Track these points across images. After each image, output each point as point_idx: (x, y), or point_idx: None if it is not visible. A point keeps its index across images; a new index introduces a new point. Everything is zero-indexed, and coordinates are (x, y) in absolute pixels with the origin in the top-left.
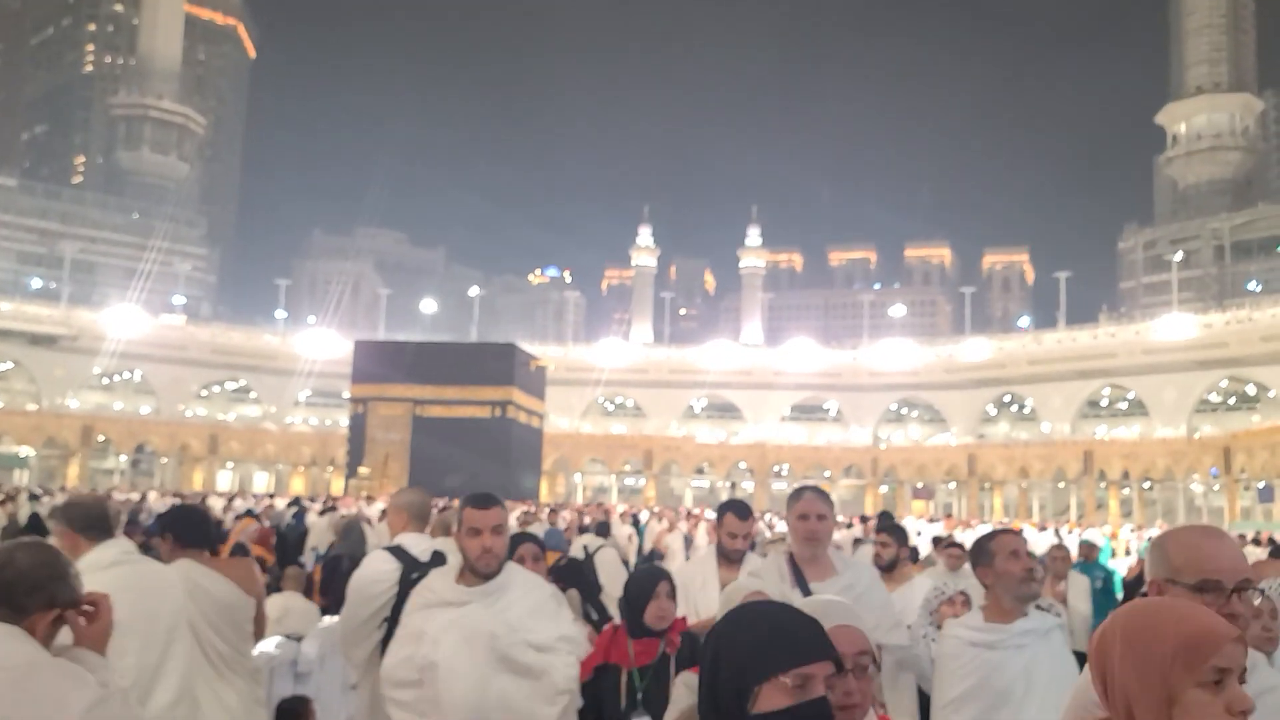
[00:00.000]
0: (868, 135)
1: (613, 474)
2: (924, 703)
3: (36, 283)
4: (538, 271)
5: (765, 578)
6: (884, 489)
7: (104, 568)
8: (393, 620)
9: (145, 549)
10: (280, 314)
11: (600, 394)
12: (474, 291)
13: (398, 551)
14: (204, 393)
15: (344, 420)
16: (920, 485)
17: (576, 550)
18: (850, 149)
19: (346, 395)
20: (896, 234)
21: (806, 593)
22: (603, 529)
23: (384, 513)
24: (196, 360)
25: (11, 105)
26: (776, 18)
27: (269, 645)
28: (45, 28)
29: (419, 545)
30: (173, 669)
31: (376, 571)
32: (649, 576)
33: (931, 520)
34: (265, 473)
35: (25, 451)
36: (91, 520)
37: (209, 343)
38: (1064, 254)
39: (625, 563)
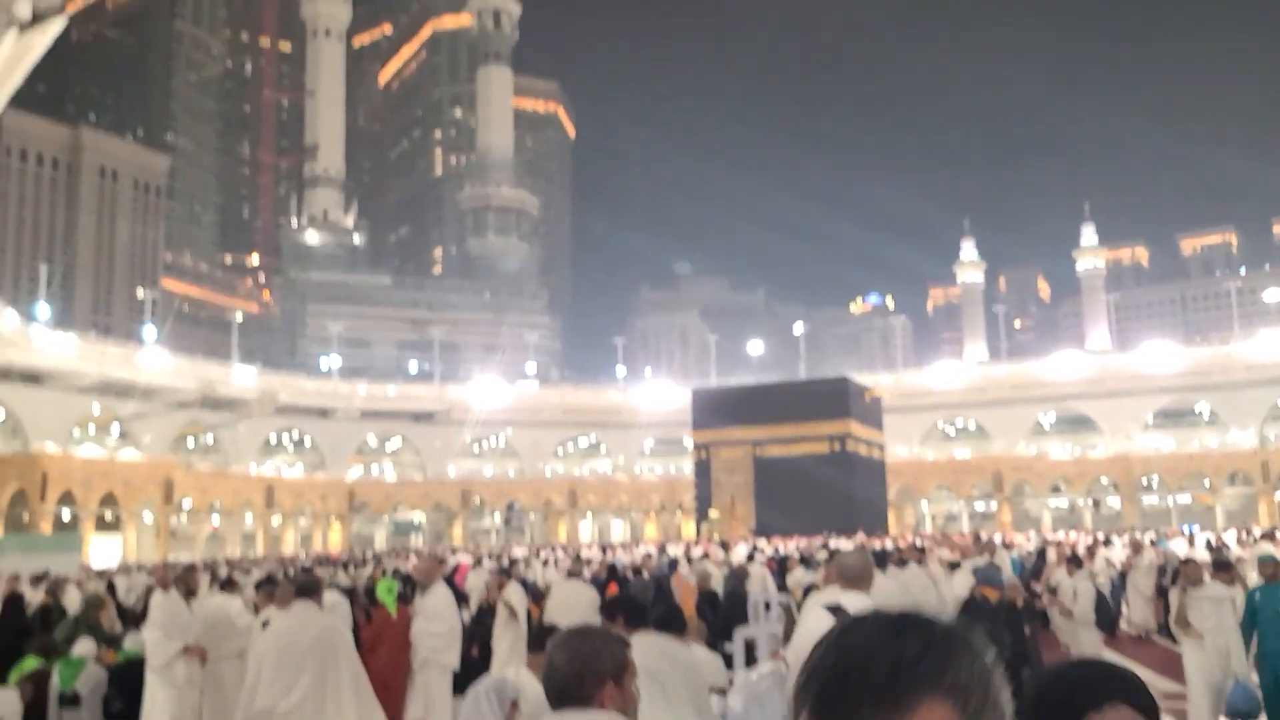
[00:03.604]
0: (1208, 105)
1: (961, 499)
2: None
3: (413, 366)
4: (859, 300)
5: None
6: (1279, 495)
7: None
8: None
9: None
10: (620, 370)
11: (939, 418)
12: (799, 329)
13: (836, 610)
14: (560, 451)
15: (687, 466)
16: None
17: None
18: (1189, 123)
19: (688, 442)
20: (1259, 210)
21: None
22: (1074, 560)
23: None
24: (550, 421)
25: (380, 213)
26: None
27: None
28: (400, 142)
29: (856, 604)
30: None
31: (815, 631)
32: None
33: None
34: (620, 520)
35: (418, 517)
36: None
37: (560, 404)
38: None
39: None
